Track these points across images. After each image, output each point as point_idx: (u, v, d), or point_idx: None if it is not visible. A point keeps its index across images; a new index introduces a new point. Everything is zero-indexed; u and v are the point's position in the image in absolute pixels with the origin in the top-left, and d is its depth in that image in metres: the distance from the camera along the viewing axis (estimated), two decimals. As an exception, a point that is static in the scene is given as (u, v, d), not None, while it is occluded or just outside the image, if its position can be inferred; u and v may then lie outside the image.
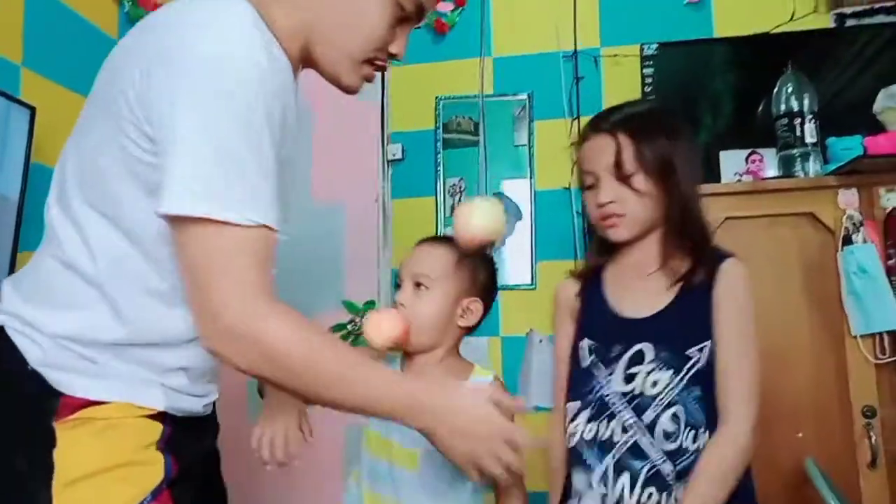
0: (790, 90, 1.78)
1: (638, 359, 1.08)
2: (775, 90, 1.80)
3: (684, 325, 1.08)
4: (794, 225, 1.61)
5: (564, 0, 2.22)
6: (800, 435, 1.54)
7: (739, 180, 1.86)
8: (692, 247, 1.11)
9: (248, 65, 0.79)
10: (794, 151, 1.74)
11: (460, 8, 2.29)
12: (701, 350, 1.06)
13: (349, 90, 0.98)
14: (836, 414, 1.53)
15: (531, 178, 2.20)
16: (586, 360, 1.15)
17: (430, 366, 1.21)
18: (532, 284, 2.16)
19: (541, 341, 2.12)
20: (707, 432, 1.05)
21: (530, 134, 2.22)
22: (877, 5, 2.05)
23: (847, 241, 1.54)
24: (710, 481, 1.01)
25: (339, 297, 2.20)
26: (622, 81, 2.16)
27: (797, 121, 1.75)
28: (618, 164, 1.09)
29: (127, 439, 0.85)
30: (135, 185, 0.83)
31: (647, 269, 1.13)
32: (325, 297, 2.19)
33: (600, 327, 1.15)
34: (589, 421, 1.10)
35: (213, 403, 1.02)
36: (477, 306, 1.21)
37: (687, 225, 1.11)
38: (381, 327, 1.13)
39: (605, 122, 1.14)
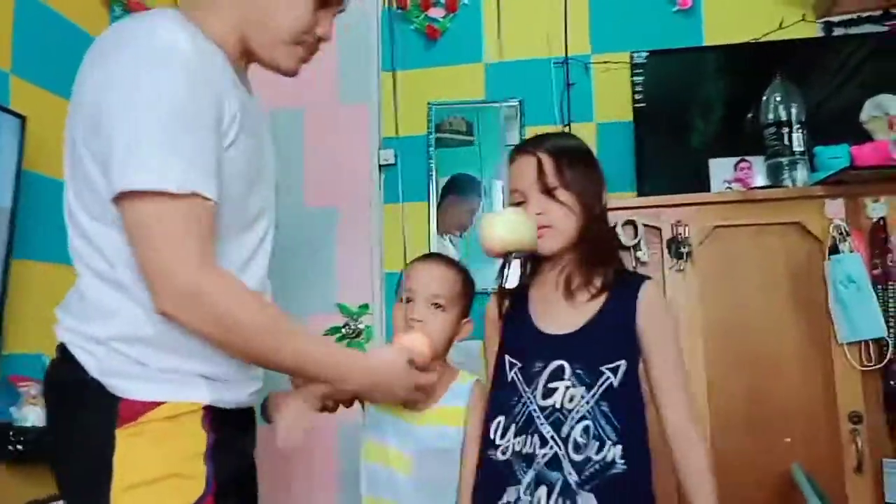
0: (778, 99, 1.80)
1: (558, 374, 1.14)
2: (763, 99, 1.83)
3: (601, 343, 1.15)
4: (782, 234, 1.63)
5: (555, 7, 2.24)
6: (787, 440, 1.57)
7: (729, 188, 1.88)
8: (605, 266, 1.20)
9: (171, 52, 0.90)
10: (782, 160, 1.77)
11: (452, 14, 2.29)
12: (614, 370, 1.13)
13: (288, 73, 1.09)
14: (823, 419, 1.56)
15: (523, 183, 2.22)
16: (508, 374, 1.21)
17: None
18: (524, 289, 2.18)
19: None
20: (616, 445, 1.10)
21: (521, 140, 2.23)
22: (864, 14, 2.08)
23: (834, 250, 1.56)
24: (700, 483, 1.11)
25: (332, 299, 2.21)
26: (612, 88, 2.18)
27: (785, 129, 1.77)
28: (541, 179, 1.18)
29: (178, 448, 0.92)
30: None
31: (567, 285, 1.19)
32: (319, 300, 2.20)
33: (523, 343, 1.21)
34: (516, 435, 1.16)
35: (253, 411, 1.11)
36: (469, 326, 1.35)
37: (602, 243, 1.22)
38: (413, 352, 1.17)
39: (529, 144, 1.26)
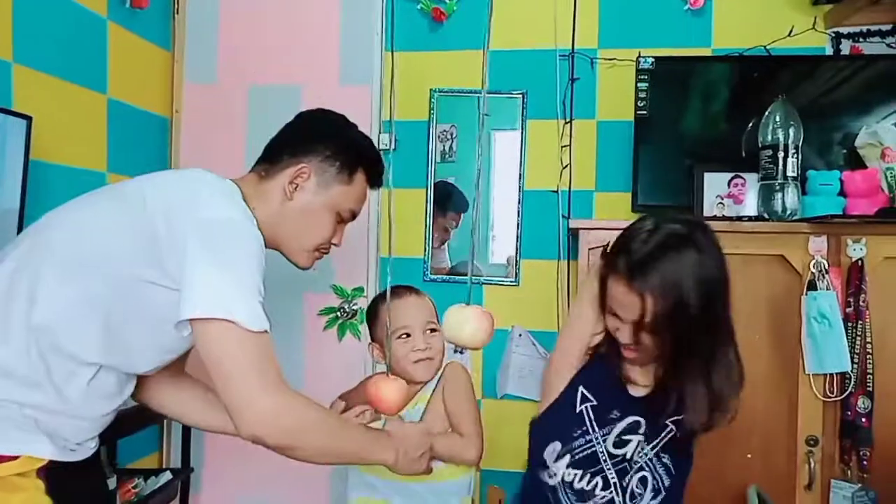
0: (777, 121, 1.81)
1: (634, 428, 1.18)
2: (763, 119, 1.84)
3: (670, 401, 1.14)
4: (766, 264, 1.70)
5: (565, -4, 2.20)
6: (749, 456, 1.70)
7: (721, 203, 1.93)
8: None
9: (244, 226, 1.09)
10: (774, 183, 1.81)
11: (460, -3, 2.24)
12: (676, 422, 1.16)
13: (303, 269, 1.31)
14: (783, 440, 1.68)
15: (520, 179, 2.25)
16: (577, 405, 1.21)
17: None
18: (515, 281, 2.25)
19: (521, 335, 2.24)
20: (666, 495, 1.16)
21: (523, 132, 2.25)
22: (873, 27, 2.07)
23: (812, 286, 1.64)
24: None
25: (329, 281, 2.27)
26: (617, 87, 2.17)
27: (780, 154, 1.80)
28: (639, 322, 1.10)
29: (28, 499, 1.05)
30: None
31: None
32: (316, 280, 2.26)
33: (603, 387, 1.20)
34: (569, 466, 1.18)
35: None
36: None
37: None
38: (387, 399, 1.18)
39: (640, 278, 1.07)
